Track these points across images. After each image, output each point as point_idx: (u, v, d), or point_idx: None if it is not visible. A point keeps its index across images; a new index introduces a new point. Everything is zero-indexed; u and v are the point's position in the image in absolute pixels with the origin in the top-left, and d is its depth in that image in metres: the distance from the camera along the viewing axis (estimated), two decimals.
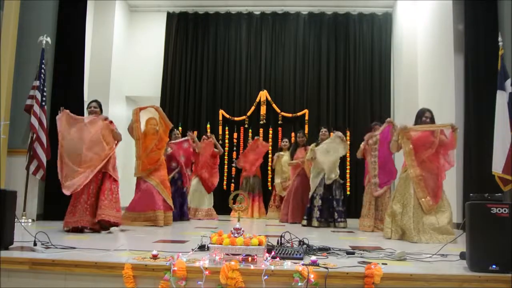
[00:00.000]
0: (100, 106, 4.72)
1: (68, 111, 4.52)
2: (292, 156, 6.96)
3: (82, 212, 4.29)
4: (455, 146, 4.41)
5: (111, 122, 4.62)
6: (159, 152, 5.53)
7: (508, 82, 4.65)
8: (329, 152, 6.07)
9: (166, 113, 8.65)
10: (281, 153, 7.61)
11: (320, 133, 6.36)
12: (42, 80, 5.55)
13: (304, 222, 6.04)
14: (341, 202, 6.05)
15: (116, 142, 4.61)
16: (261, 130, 8.61)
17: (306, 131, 8.29)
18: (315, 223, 5.90)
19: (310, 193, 6.09)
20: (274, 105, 8.68)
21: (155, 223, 5.23)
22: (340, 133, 6.20)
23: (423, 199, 4.22)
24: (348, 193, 8.21)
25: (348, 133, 8.32)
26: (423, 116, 4.53)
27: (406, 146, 4.39)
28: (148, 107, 5.57)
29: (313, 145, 6.28)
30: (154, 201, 5.29)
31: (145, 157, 5.39)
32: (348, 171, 8.32)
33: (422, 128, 4.42)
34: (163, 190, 5.44)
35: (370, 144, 5.72)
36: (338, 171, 6.10)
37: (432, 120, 4.55)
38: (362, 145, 5.86)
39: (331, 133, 6.86)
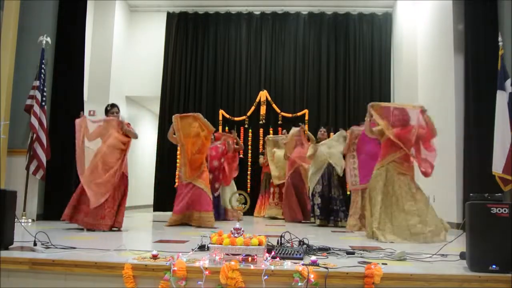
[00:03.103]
0: (118, 110, 4.93)
1: (86, 116, 4.80)
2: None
3: (96, 215, 4.44)
4: (435, 133, 4.28)
5: (128, 124, 4.83)
6: (201, 156, 5.58)
7: (508, 82, 4.65)
8: (331, 148, 6.11)
9: (166, 113, 8.78)
10: (275, 149, 7.64)
11: (319, 133, 6.38)
12: (42, 80, 5.55)
13: (312, 219, 6.09)
14: (339, 201, 6.06)
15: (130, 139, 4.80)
16: (261, 130, 8.61)
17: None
18: (316, 221, 5.94)
19: (310, 191, 6.11)
20: (274, 105, 8.68)
21: (204, 223, 5.21)
22: (344, 132, 6.22)
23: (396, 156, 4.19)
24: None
25: (348, 133, 8.30)
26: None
27: (379, 120, 4.31)
28: (188, 115, 5.67)
29: (313, 143, 6.30)
30: (202, 203, 5.33)
31: (190, 160, 5.44)
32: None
33: (392, 105, 4.43)
34: (209, 192, 5.51)
35: (352, 138, 5.75)
36: (343, 163, 6.07)
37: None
38: (347, 140, 5.89)
39: (331, 134, 6.89)
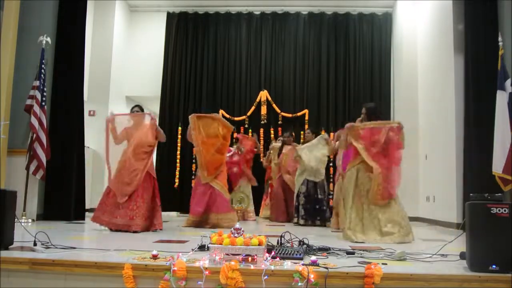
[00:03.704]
0: (142, 110, 4.97)
1: (116, 114, 4.89)
2: (278, 155, 7.04)
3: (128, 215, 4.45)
4: (401, 146, 4.25)
5: (152, 119, 4.86)
6: (222, 157, 5.56)
7: (508, 82, 4.65)
8: (312, 151, 6.12)
9: (166, 113, 8.78)
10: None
11: (305, 134, 6.46)
12: (42, 80, 5.55)
13: (295, 220, 6.12)
14: (326, 201, 6.13)
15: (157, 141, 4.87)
16: (261, 130, 8.60)
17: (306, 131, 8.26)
18: (300, 221, 5.99)
19: (295, 192, 6.18)
20: (274, 105, 8.68)
21: (223, 226, 5.17)
22: (326, 136, 6.26)
23: (374, 196, 4.10)
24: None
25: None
26: (362, 114, 4.53)
27: (357, 144, 4.25)
28: (206, 115, 5.64)
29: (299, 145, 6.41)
30: (219, 205, 5.31)
31: (208, 161, 5.39)
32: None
33: (370, 125, 4.29)
34: (226, 192, 5.50)
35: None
36: (323, 172, 6.09)
37: (367, 116, 4.47)
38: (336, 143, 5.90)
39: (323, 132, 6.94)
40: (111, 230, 4.45)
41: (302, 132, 8.21)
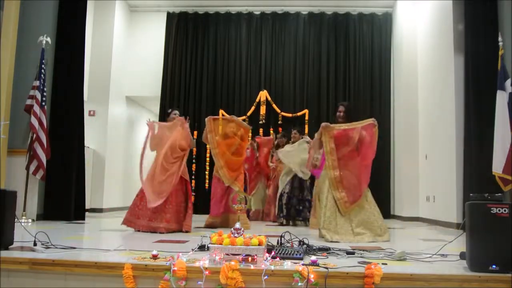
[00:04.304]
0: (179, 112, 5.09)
1: (154, 121, 4.95)
2: (272, 156, 7.05)
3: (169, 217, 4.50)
4: (374, 144, 4.29)
5: (184, 123, 4.93)
6: (240, 158, 5.55)
7: (508, 82, 4.64)
8: (292, 156, 6.13)
9: (166, 113, 8.75)
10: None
11: (292, 134, 6.45)
12: (42, 80, 5.55)
13: (280, 220, 6.12)
14: (308, 202, 6.10)
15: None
16: (261, 130, 8.59)
17: (306, 131, 8.27)
18: (283, 221, 6.00)
19: (279, 192, 6.19)
20: (274, 105, 8.68)
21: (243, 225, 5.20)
22: (307, 138, 6.25)
23: (340, 200, 4.13)
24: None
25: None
26: (337, 111, 4.54)
27: (327, 145, 4.28)
28: (223, 117, 5.67)
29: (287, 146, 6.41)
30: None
31: (227, 163, 5.37)
32: None
33: (346, 126, 4.33)
34: (243, 194, 5.49)
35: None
36: (308, 172, 6.09)
37: (346, 114, 4.49)
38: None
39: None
40: (138, 231, 4.47)
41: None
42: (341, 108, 4.55)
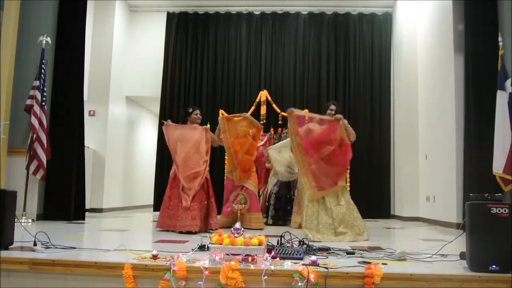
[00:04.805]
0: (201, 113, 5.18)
1: (171, 122, 4.97)
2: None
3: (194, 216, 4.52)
4: (344, 140, 4.49)
5: (207, 130, 5.00)
6: (251, 158, 5.56)
7: (508, 82, 4.64)
8: (281, 151, 6.14)
9: (166, 113, 8.77)
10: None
11: (282, 133, 6.46)
12: (42, 80, 5.55)
13: (264, 220, 6.08)
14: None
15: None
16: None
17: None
18: (269, 221, 5.98)
19: (268, 192, 6.21)
20: (274, 105, 8.67)
21: (253, 225, 5.18)
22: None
23: (308, 184, 4.24)
24: None
25: None
26: (328, 109, 4.72)
27: (292, 127, 4.49)
28: (235, 116, 5.63)
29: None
30: (251, 204, 5.26)
31: (240, 163, 5.40)
32: None
33: (311, 115, 4.60)
34: (257, 193, 5.55)
35: None
36: (296, 172, 6.07)
37: (336, 113, 4.68)
38: None
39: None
40: (173, 231, 4.50)
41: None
42: (332, 106, 4.75)
